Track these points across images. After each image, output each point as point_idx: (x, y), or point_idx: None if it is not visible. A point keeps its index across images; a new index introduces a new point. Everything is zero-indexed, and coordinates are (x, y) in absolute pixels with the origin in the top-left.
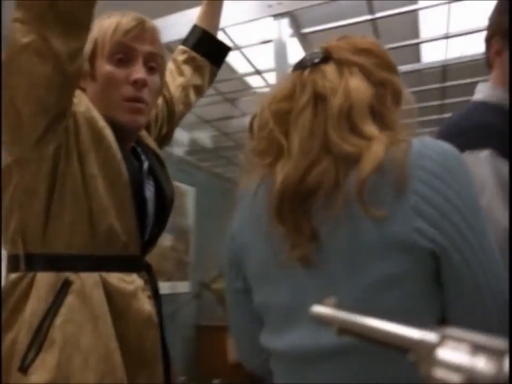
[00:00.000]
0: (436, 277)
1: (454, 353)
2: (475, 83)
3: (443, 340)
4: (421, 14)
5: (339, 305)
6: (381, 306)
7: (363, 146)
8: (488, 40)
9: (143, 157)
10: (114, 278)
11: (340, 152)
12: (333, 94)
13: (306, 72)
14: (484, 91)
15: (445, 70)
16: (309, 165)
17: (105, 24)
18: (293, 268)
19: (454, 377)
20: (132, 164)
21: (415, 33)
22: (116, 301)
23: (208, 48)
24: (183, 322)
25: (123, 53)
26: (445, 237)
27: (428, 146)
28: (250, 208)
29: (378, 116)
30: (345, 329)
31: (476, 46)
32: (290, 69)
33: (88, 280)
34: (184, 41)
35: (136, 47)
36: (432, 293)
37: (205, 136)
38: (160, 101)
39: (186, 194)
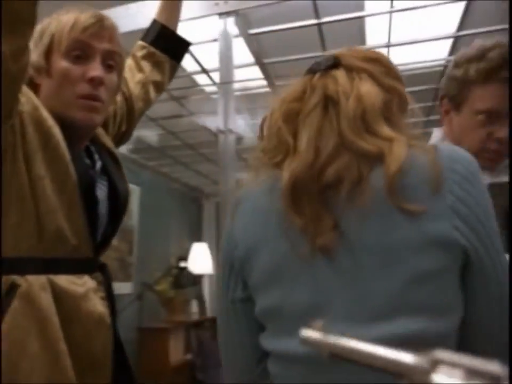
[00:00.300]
0: (462, 273)
1: (448, 378)
2: (413, 92)
3: (436, 364)
4: (368, 21)
5: (327, 329)
6: (414, 301)
7: (382, 146)
8: (440, 100)
9: (96, 156)
10: (64, 280)
11: (357, 149)
12: (345, 98)
13: (317, 76)
14: (437, 138)
15: None
16: (325, 161)
17: (63, 19)
18: (315, 264)
19: None
20: (82, 164)
21: (362, 40)
22: (65, 303)
23: (167, 43)
24: (125, 324)
25: (80, 50)
26: (477, 237)
27: (456, 152)
28: (254, 211)
29: (387, 120)
30: (336, 354)
31: (417, 55)
32: (234, 69)
33: (35, 282)
34: (143, 37)
35: (94, 45)
36: (459, 288)
37: (151, 135)
38: (119, 98)
39: (131, 193)
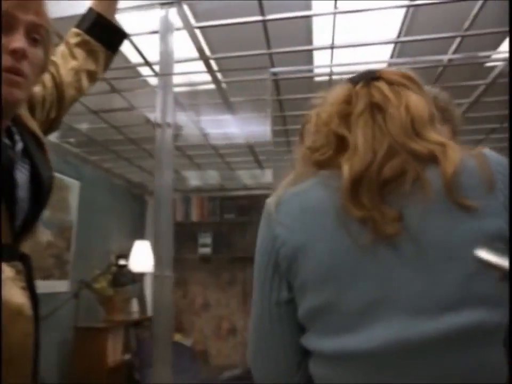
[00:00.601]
0: None
1: None
2: None
3: None
4: (315, 22)
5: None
6: (477, 293)
7: (434, 149)
8: None
9: (17, 137)
10: None
11: (410, 150)
12: (393, 106)
13: (359, 86)
14: None
15: (331, 80)
16: (382, 158)
17: None
18: (378, 255)
19: None
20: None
21: (309, 40)
22: None
23: (103, 32)
24: (60, 323)
25: (4, 21)
26: None
27: (498, 156)
28: (302, 210)
29: (433, 128)
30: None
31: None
32: (178, 63)
33: None
34: (78, 24)
35: (18, 16)
36: None
37: (92, 128)
38: (49, 83)
39: (70, 188)
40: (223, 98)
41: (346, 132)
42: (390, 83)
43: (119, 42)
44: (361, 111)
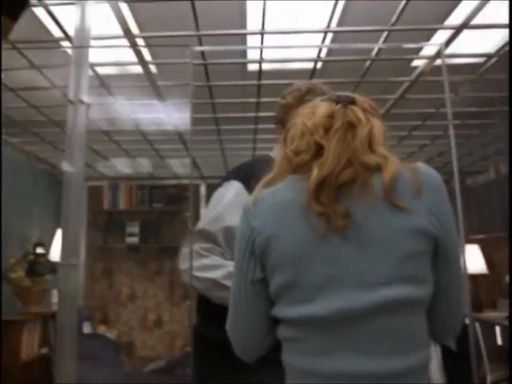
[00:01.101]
0: (432, 255)
1: None
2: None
3: None
4: (249, 6)
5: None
6: (404, 273)
7: (380, 161)
8: (275, 124)
9: None
10: None
11: (362, 162)
12: (362, 126)
13: (339, 106)
14: (274, 151)
15: (261, 70)
16: (342, 167)
17: None
18: (330, 242)
19: None
20: None
21: (242, 25)
22: None
23: None
24: None
25: None
26: (444, 231)
27: (429, 169)
28: (273, 205)
29: (383, 145)
30: None
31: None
32: (99, 37)
33: None
34: None
35: None
36: (431, 266)
37: (12, 107)
38: None
39: None
40: (151, 82)
41: (325, 142)
42: (363, 109)
43: (20, 10)
44: (338, 127)
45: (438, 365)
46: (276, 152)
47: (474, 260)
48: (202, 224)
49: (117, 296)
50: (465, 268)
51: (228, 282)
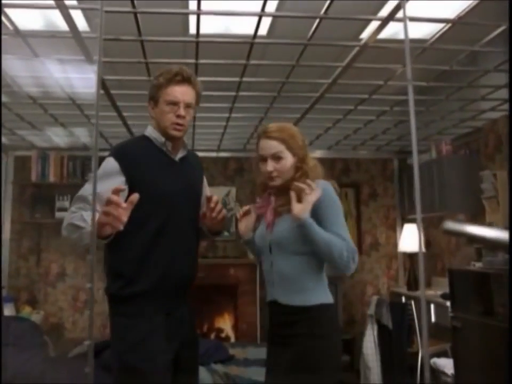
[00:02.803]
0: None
1: None
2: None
3: None
4: None
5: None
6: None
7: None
8: (148, 101)
9: None
10: None
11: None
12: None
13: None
14: (148, 130)
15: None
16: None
17: None
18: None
19: None
20: None
21: (184, 4)
22: None
23: None
24: None
25: None
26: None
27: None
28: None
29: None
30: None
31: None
32: None
33: None
34: None
35: None
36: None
37: None
38: None
39: None
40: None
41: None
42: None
43: None
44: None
45: (374, 342)
46: (151, 130)
47: (412, 239)
48: (81, 191)
49: (45, 275)
50: (420, 248)
51: (80, 223)
